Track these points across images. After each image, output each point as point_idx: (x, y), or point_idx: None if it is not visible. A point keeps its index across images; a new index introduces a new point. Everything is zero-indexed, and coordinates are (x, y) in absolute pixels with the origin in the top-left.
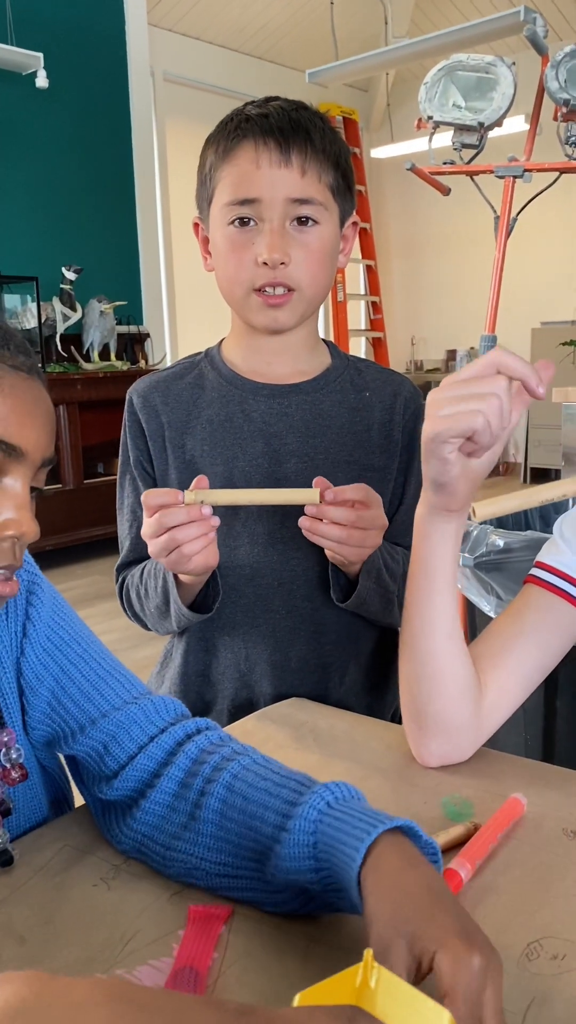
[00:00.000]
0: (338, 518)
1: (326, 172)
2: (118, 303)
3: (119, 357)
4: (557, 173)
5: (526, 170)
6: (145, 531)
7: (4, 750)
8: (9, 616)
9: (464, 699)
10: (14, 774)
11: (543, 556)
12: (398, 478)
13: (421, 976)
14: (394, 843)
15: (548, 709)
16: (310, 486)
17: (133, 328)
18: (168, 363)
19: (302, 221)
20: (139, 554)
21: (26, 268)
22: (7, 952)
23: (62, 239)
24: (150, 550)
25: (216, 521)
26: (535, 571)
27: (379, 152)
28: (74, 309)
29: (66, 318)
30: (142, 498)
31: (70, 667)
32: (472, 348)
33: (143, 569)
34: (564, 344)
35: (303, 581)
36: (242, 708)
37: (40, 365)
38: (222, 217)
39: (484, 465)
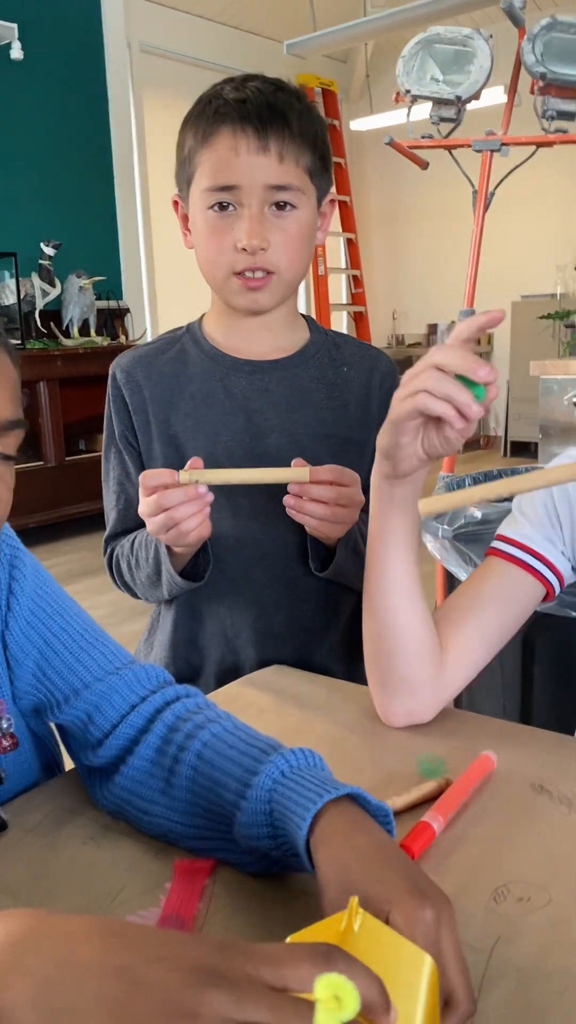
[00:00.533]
0: (321, 496)
1: (303, 156)
2: (97, 278)
3: (99, 333)
4: (534, 147)
5: (503, 144)
6: (143, 510)
7: None
8: None
9: (424, 658)
10: (5, 743)
11: (503, 529)
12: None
13: None
14: (342, 810)
15: (525, 676)
16: (291, 460)
17: (113, 303)
18: (148, 338)
19: (280, 206)
20: (127, 525)
21: (4, 244)
22: (0, 907)
23: (40, 214)
24: (149, 528)
25: (210, 497)
26: (496, 543)
27: (358, 124)
28: (53, 285)
29: (45, 294)
30: (140, 479)
31: (53, 639)
32: (453, 322)
33: (133, 540)
34: (542, 318)
35: (284, 552)
36: (228, 673)
37: (20, 343)
38: (202, 201)
39: (438, 448)
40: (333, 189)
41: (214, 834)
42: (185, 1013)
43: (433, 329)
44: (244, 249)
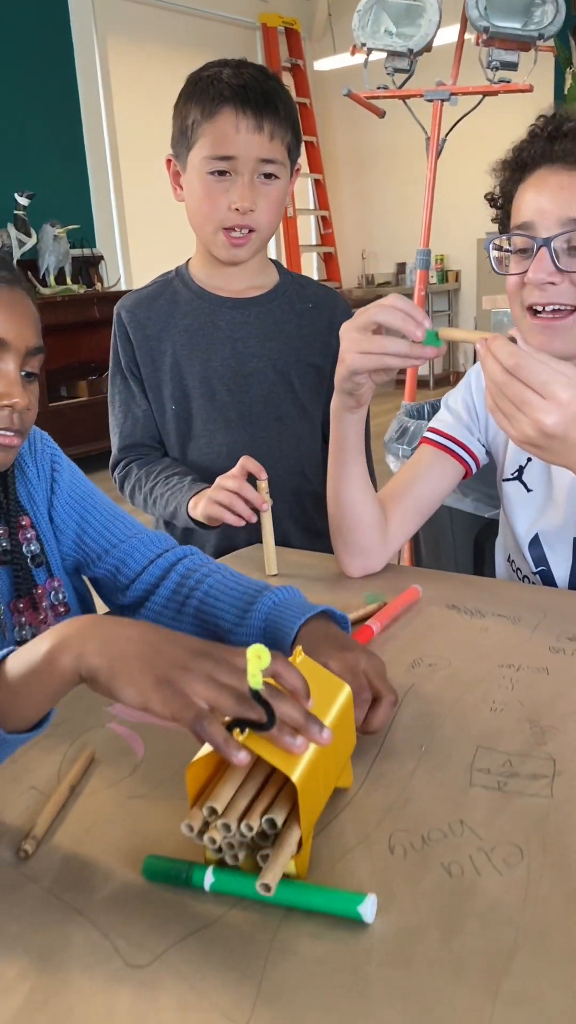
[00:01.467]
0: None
1: (286, 135)
2: (71, 226)
3: (75, 280)
4: (481, 96)
5: (452, 94)
6: (225, 481)
7: (53, 593)
8: (40, 484)
9: (373, 529)
10: (60, 609)
11: (433, 422)
12: (334, 375)
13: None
14: (318, 622)
15: (476, 575)
16: (272, 380)
17: (87, 251)
18: (123, 285)
19: (267, 176)
20: (134, 439)
21: None
22: None
23: (11, 164)
24: (213, 492)
25: (254, 519)
26: (427, 434)
27: (322, 64)
28: (29, 234)
29: (21, 244)
30: (248, 464)
31: (87, 514)
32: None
33: (153, 485)
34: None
35: (269, 464)
36: (223, 552)
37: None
38: (201, 166)
39: (385, 378)
40: (301, 160)
41: None
42: (184, 666)
43: (402, 268)
44: (237, 209)
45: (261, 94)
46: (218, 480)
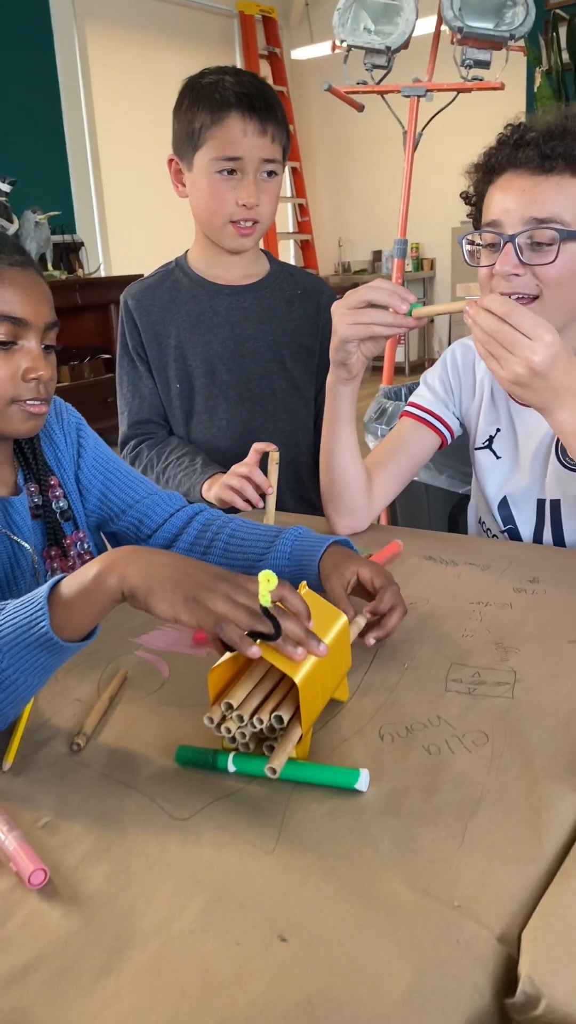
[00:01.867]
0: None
1: (282, 136)
2: (52, 213)
3: (56, 267)
4: (455, 92)
5: (428, 90)
6: (239, 468)
7: (80, 543)
8: (67, 449)
9: (359, 492)
10: (86, 557)
11: (413, 398)
12: (322, 354)
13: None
14: (336, 548)
15: None
16: (267, 360)
17: (67, 237)
18: (103, 272)
19: (269, 173)
20: (142, 416)
21: None
22: None
23: None
24: (228, 479)
25: (260, 504)
26: (407, 407)
27: (300, 53)
28: (11, 220)
29: (4, 230)
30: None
31: (110, 474)
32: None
33: (167, 463)
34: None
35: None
36: None
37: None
38: (210, 166)
39: (373, 351)
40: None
41: None
42: (207, 587)
43: (378, 256)
44: (244, 205)
45: (263, 100)
46: (233, 468)
